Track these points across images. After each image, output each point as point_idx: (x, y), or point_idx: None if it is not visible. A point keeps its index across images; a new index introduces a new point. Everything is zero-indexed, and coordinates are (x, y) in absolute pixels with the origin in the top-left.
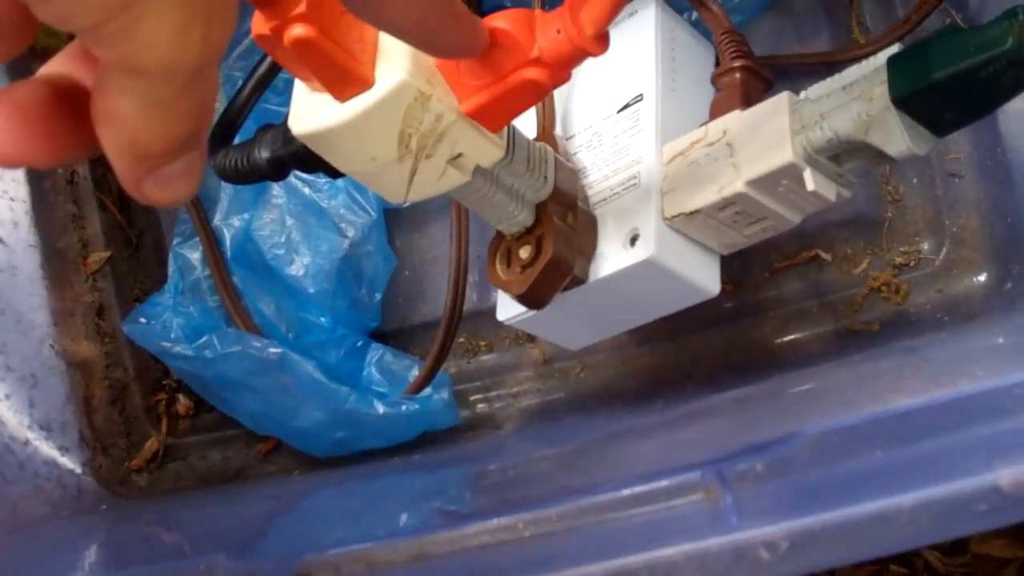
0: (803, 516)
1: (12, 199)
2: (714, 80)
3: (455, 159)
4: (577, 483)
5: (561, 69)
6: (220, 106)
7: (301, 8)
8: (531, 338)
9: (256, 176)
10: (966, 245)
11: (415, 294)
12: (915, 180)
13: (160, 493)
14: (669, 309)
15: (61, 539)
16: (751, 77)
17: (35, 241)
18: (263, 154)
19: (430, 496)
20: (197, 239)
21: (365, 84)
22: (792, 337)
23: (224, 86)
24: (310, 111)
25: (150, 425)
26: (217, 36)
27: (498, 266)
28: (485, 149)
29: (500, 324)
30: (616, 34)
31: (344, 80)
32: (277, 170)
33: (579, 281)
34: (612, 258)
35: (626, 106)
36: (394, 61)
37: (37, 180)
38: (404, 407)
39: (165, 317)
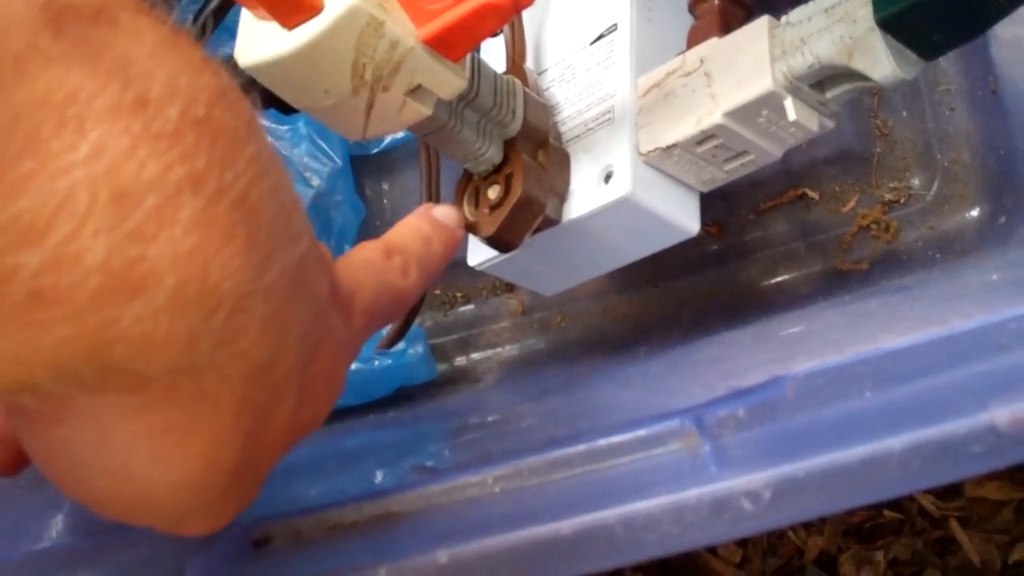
0: (787, 463)
1: None
2: (691, 7)
3: (414, 91)
4: (558, 435)
5: None
6: None
7: None
8: (510, 288)
9: None
10: (958, 180)
11: None
12: (904, 113)
13: None
14: (648, 250)
15: (24, 507)
16: (730, 3)
17: None
18: None
19: (406, 453)
20: None
21: (313, 9)
22: (780, 279)
23: (181, 20)
24: (257, 41)
25: None
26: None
27: (466, 207)
28: (446, 80)
29: (477, 274)
30: None
31: (290, 5)
32: None
33: (552, 222)
34: (586, 196)
35: (600, 37)
36: None
37: None
38: (377, 362)
39: None
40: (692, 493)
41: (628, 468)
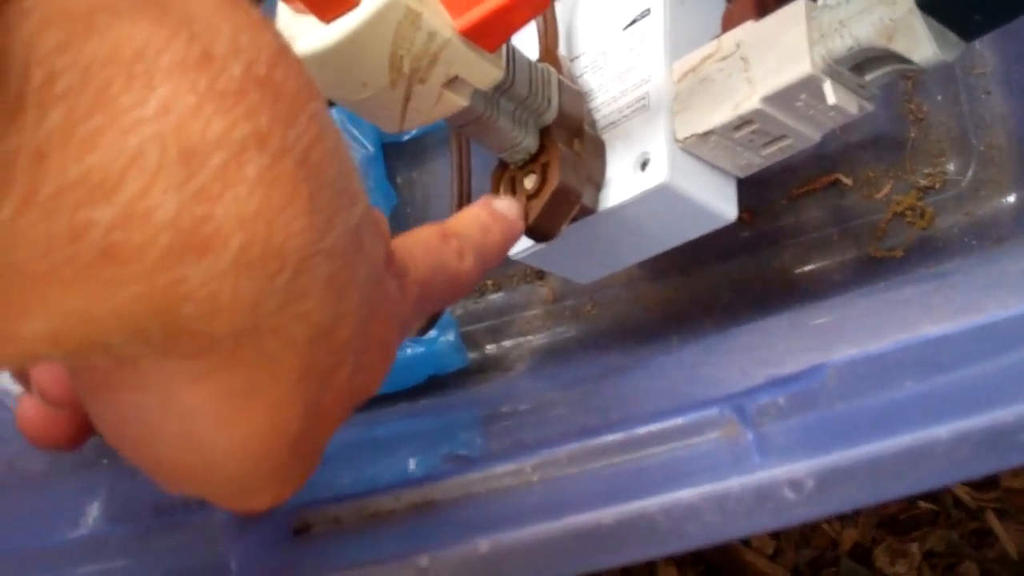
0: (830, 452)
1: None
2: None
3: (451, 82)
4: (590, 424)
5: None
6: None
7: None
8: (540, 275)
9: None
10: (994, 164)
11: None
12: (939, 97)
13: None
14: (685, 237)
15: (62, 494)
16: None
17: None
18: None
19: (438, 441)
20: None
21: (350, 3)
22: (813, 266)
23: None
24: (294, 35)
25: None
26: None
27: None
28: (483, 70)
29: (508, 262)
30: None
31: (329, 0)
32: None
33: (588, 211)
34: (623, 185)
35: (633, 22)
36: None
37: None
38: (409, 350)
39: None
40: (735, 482)
41: (668, 457)
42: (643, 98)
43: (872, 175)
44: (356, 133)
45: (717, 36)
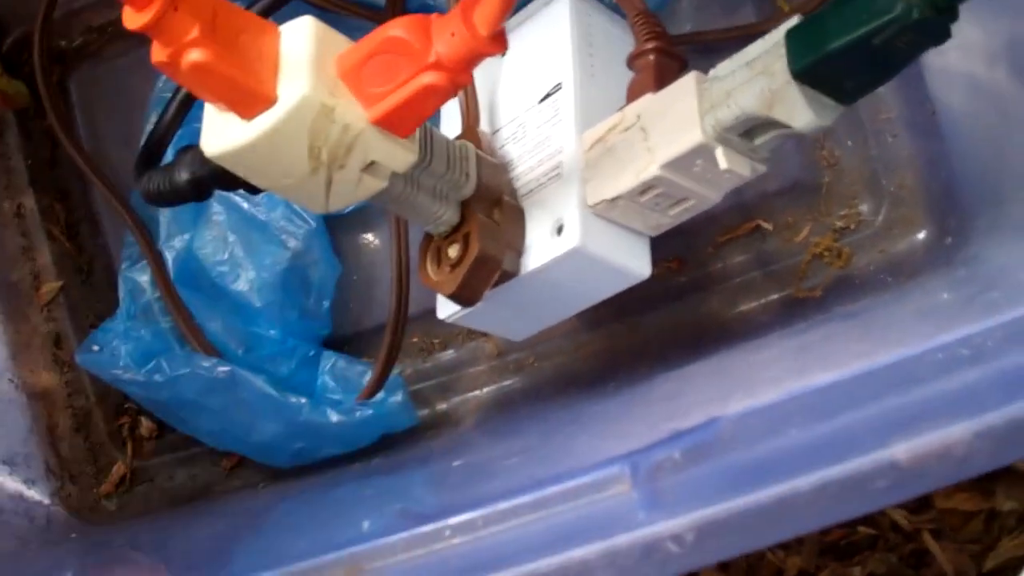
0: (712, 505)
1: None
2: (629, 63)
3: (369, 167)
4: (515, 484)
5: (460, 72)
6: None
7: (194, 34)
8: (485, 333)
9: (179, 197)
10: (904, 203)
11: (365, 298)
12: (849, 143)
13: (130, 516)
14: (603, 294)
15: (32, 573)
16: (664, 58)
17: None
18: (183, 176)
19: (391, 499)
20: (145, 262)
21: (268, 102)
22: (740, 309)
23: (156, 110)
24: (220, 131)
25: (116, 449)
26: None
27: (429, 266)
28: (398, 155)
29: None
30: (533, 24)
31: (246, 100)
32: (199, 190)
33: (510, 275)
34: (540, 249)
35: (547, 96)
36: (295, 75)
37: None
38: (358, 413)
39: (115, 344)
40: (623, 539)
41: (572, 515)
42: (557, 167)
43: (791, 220)
44: (298, 209)
45: (622, 108)
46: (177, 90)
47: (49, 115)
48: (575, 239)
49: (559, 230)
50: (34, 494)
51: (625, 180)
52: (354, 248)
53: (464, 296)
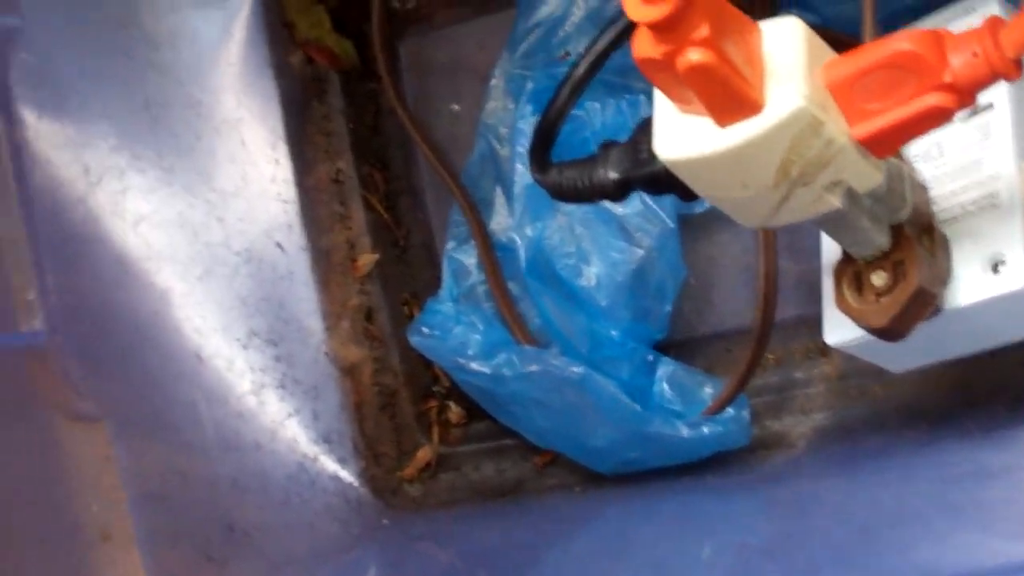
0: None
1: (284, 200)
2: None
3: (832, 185)
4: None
5: (970, 94)
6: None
7: (703, 32)
8: (824, 352)
9: (597, 196)
10: None
11: (701, 304)
12: None
13: (434, 505)
14: (1021, 336)
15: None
16: None
17: (305, 243)
18: (611, 175)
19: (730, 525)
20: (472, 243)
21: (754, 109)
22: None
23: (508, 85)
24: (681, 135)
25: (420, 433)
26: None
27: (847, 293)
28: (868, 175)
29: (789, 337)
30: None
31: (733, 106)
32: (623, 191)
33: (935, 310)
34: (972, 285)
35: (973, 114)
36: (787, 83)
37: (301, 178)
38: (706, 429)
39: (455, 330)
40: None
41: None
42: (991, 196)
43: None
44: (655, 207)
45: None
46: (569, 74)
47: (384, 79)
48: (1019, 280)
49: (995, 267)
50: (346, 475)
51: None
52: (692, 250)
53: (893, 331)
